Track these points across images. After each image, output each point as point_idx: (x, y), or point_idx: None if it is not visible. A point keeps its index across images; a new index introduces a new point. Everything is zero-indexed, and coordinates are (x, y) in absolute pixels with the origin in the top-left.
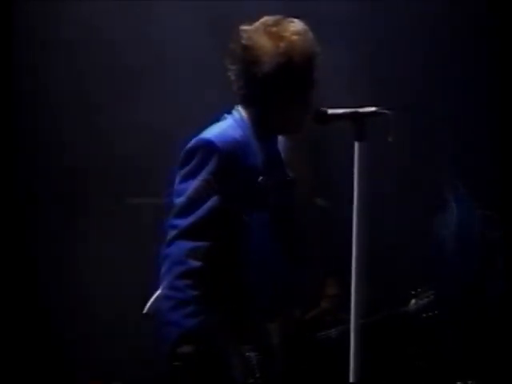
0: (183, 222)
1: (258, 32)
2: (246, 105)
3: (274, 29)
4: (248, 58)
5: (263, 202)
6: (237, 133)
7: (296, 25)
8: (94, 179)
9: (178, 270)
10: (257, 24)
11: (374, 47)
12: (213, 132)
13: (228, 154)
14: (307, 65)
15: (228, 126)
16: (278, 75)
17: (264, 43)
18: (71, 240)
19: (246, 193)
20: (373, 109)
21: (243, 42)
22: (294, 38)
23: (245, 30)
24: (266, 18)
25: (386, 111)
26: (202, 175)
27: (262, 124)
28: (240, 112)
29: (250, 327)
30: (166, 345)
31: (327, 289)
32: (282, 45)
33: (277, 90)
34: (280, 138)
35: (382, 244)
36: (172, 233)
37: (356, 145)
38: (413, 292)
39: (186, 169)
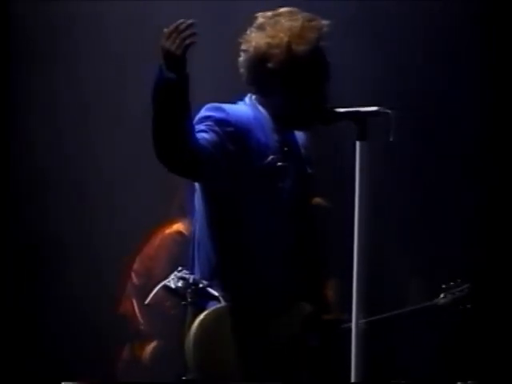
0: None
1: (260, 26)
2: (259, 95)
3: (272, 23)
4: (252, 51)
5: (272, 186)
6: (250, 113)
7: (298, 17)
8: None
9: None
10: (260, 16)
11: (374, 47)
12: (225, 105)
13: (240, 126)
14: (309, 58)
15: (241, 106)
16: (280, 70)
17: (263, 38)
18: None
19: (255, 172)
20: (374, 108)
21: (246, 37)
22: (295, 31)
23: (250, 25)
24: (267, 12)
25: (387, 111)
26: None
27: (276, 115)
28: (253, 99)
29: (257, 322)
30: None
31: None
32: (282, 38)
33: (281, 83)
34: (301, 136)
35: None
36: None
37: (358, 144)
38: (443, 286)
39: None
